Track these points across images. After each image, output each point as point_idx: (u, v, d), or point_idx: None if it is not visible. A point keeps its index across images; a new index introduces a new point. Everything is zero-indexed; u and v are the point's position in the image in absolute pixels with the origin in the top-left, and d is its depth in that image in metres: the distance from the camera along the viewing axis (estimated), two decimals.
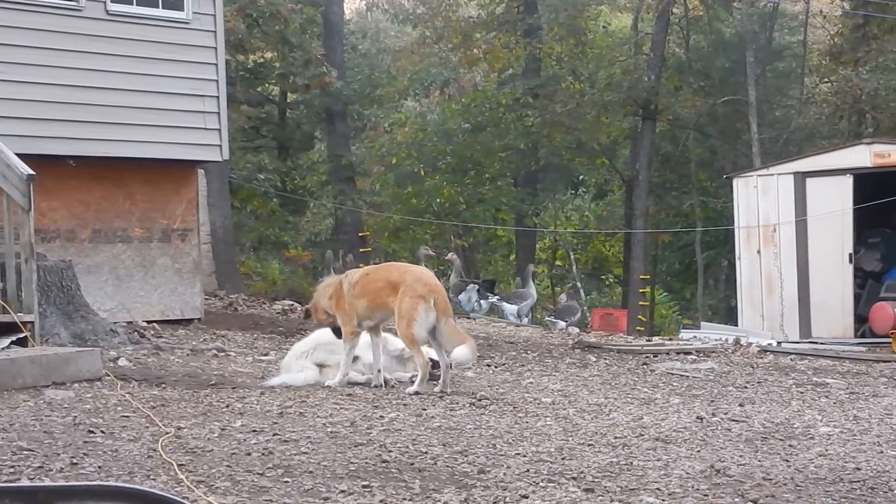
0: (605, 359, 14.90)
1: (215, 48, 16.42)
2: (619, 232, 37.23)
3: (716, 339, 18.42)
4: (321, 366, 11.06)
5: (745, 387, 12.36)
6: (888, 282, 22.54)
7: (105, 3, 15.40)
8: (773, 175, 22.92)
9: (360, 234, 32.40)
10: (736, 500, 6.67)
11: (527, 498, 6.47)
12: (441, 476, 6.98)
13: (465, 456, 7.59)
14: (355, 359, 11.05)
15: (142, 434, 7.80)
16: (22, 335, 11.23)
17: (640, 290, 32.49)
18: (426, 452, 7.64)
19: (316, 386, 10.66)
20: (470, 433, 8.48)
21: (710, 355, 15.90)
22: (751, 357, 16.10)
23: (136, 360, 11.91)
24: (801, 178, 22.38)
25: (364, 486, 6.56)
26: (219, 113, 16.42)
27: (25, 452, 6.96)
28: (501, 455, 7.69)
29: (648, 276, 34.39)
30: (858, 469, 7.68)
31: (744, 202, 23.18)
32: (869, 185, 21.92)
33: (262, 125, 34.31)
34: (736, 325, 23.31)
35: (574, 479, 7.02)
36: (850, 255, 22.01)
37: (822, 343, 20.38)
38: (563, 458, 7.66)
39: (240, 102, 29.40)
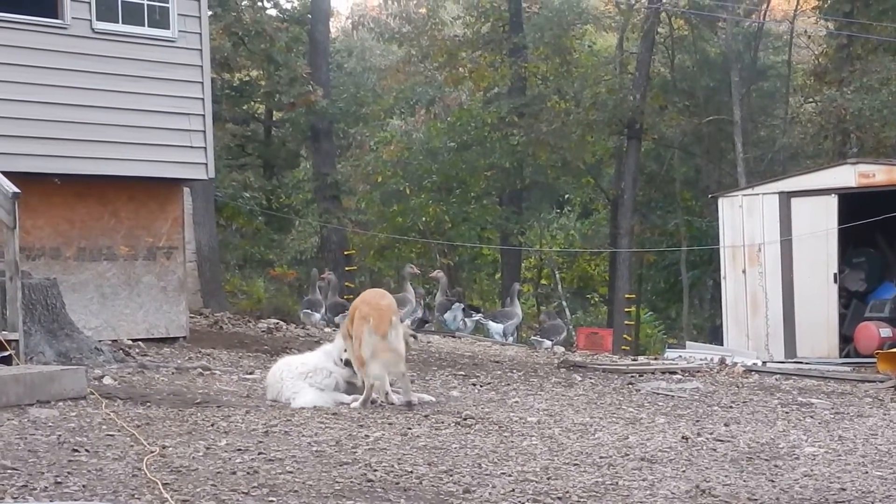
0: (590, 378, 14.90)
1: (201, 66, 16.41)
2: (605, 251, 37.23)
3: (701, 359, 18.43)
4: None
5: (731, 406, 12.37)
6: (873, 301, 22.58)
7: (91, 20, 15.37)
8: (758, 195, 22.98)
9: (345, 253, 32.39)
10: None
11: None
12: (426, 496, 6.97)
13: (451, 475, 7.58)
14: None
15: (126, 453, 7.78)
16: (6, 353, 11.20)
17: (626, 310, 32.50)
18: (411, 472, 7.63)
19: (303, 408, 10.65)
20: (455, 452, 8.47)
21: (695, 375, 15.91)
22: (736, 377, 16.11)
23: (121, 379, 11.88)
24: (786, 197, 22.44)
25: None
26: (204, 131, 16.41)
27: (9, 471, 6.94)
28: (487, 475, 7.68)
29: (634, 296, 34.40)
30: (843, 489, 7.69)
31: (729, 221, 23.22)
32: (853, 205, 21.97)
33: (247, 143, 34.34)
34: (721, 344, 23.32)
35: (559, 499, 7.02)
36: (835, 274, 22.05)
37: (807, 363, 20.40)
38: (548, 478, 7.66)
39: (225, 120, 29.42)
